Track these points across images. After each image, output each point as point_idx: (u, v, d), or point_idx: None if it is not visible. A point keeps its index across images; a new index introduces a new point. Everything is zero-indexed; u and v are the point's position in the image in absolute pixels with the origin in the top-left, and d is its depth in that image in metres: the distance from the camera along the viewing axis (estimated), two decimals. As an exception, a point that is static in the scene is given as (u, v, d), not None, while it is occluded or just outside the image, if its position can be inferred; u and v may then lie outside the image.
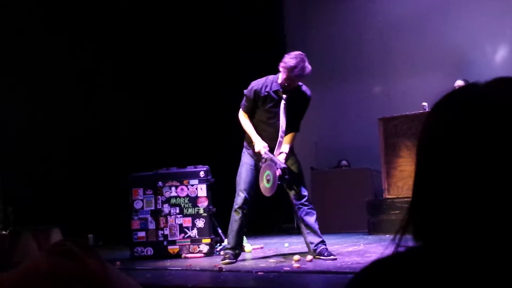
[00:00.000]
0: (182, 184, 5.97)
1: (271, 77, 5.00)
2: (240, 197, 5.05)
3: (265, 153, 4.90)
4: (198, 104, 8.69)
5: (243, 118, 5.09)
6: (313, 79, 9.48)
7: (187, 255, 5.81)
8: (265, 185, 4.90)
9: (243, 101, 5.09)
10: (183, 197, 5.96)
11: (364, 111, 8.69)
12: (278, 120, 4.94)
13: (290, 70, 4.73)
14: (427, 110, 6.91)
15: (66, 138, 7.81)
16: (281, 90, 4.90)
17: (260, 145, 4.93)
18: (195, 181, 5.96)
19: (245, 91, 5.05)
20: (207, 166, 6.04)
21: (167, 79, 8.73)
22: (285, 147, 4.95)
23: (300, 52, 4.84)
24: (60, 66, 7.83)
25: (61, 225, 6.20)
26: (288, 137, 4.98)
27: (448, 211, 0.70)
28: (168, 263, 5.43)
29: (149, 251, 5.97)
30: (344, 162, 8.58)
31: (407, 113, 7.12)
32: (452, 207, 0.70)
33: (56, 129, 7.71)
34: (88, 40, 8.10)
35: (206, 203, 5.92)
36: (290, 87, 4.88)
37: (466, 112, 0.71)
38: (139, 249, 5.99)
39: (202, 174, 5.97)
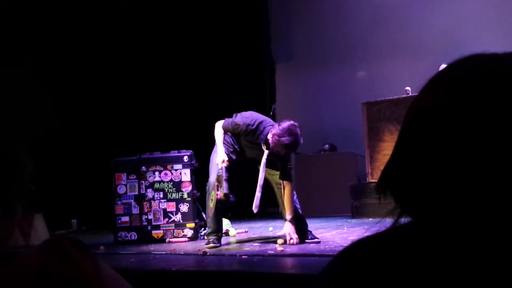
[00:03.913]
0: (166, 168, 5.95)
1: (262, 126, 4.88)
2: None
3: (221, 168, 4.87)
4: (182, 88, 8.64)
5: (218, 131, 5.03)
6: (297, 63, 9.57)
7: (171, 240, 5.81)
8: (209, 204, 5.01)
9: (228, 124, 4.99)
10: (167, 182, 5.94)
11: (348, 96, 8.69)
12: (260, 144, 4.90)
13: (283, 146, 4.70)
14: (410, 94, 6.93)
15: (48, 122, 7.73)
16: (265, 146, 4.84)
17: (220, 158, 4.92)
18: (179, 166, 5.95)
19: (232, 121, 4.95)
20: (191, 151, 6.02)
21: (151, 64, 8.66)
22: (289, 212, 4.85)
23: (294, 124, 4.75)
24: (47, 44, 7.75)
25: (44, 210, 6.17)
26: (288, 194, 4.89)
27: (429, 189, 0.70)
28: (152, 247, 5.43)
29: (133, 235, 5.96)
30: (327, 147, 8.59)
31: (391, 97, 7.13)
32: (433, 185, 0.70)
33: (38, 112, 7.62)
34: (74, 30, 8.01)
35: (190, 188, 5.91)
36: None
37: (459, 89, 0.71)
38: (123, 234, 5.97)
39: (186, 158, 5.95)
